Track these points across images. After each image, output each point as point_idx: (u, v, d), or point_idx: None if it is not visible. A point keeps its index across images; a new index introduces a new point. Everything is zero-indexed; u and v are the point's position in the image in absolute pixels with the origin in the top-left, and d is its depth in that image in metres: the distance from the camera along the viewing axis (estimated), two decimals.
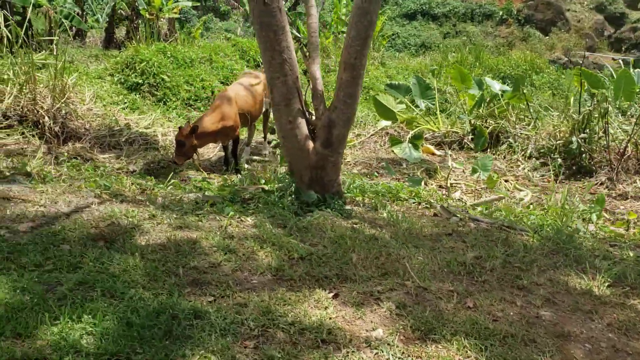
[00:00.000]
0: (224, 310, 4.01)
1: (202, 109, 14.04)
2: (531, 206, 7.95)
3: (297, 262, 4.90)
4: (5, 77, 11.12)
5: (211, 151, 11.22)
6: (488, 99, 11.04)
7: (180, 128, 9.35)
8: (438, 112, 11.63)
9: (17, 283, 4.03)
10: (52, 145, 10.23)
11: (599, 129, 9.71)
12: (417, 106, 11.65)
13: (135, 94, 14.03)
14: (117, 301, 3.99)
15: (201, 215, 5.78)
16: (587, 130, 9.73)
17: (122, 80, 14.50)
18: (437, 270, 4.98)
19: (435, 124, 11.43)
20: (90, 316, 3.75)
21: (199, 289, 4.33)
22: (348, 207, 6.50)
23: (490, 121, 10.93)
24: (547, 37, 22.11)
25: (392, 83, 11.61)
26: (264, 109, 10.80)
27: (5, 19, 11.80)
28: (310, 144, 6.38)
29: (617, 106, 11.03)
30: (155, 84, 14.40)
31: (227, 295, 4.26)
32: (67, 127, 10.88)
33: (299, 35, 17.29)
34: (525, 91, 10.97)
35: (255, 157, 10.91)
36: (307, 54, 6.44)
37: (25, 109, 10.73)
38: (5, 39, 11.60)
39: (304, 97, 6.53)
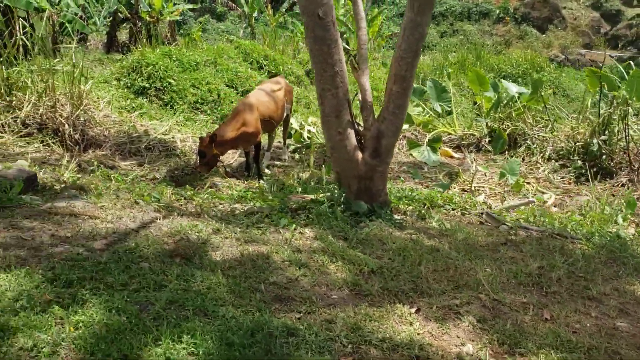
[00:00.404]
0: (314, 327, 4.08)
1: (208, 112, 14.04)
2: (569, 212, 8.03)
3: (369, 276, 4.98)
4: (22, 84, 11.05)
5: (231, 156, 11.23)
6: (505, 101, 11.16)
7: (200, 138, 9.38)
8: (454, 115, 11.74)
9: (109, 303, 4.07)
10: (74, 153, 10.22)
11: (618, 131, 9.86)
12: (432, 109, 11.75)
13: (142, 98, 13.98)
14: (210, 320, 4.05)
15: (263, 228, 5.82)
16: (607, 132, 9.87)
17: (129, 84, 14.46)
18: (506, 282, 5.08)
19: (451, 127, 11.53)
20: (189, 336, 3.81)
21: (284, 305, 4.39)
22: (397, 216, 6.58)
23: (507, 123, 11.06)
24: (544, 35, 22.34)
25: None
26: (284, 115, 10.84)
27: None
28: (359, 155, 6.45)
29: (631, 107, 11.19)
30: (161, 87, 14.38)
31: (313, 312, 4.32)
32: (86, 134, 10.86)
33: (347, 47, 17.31)
34: (543, 93, 11.11)
35: (275, 162, 10.95)
36: (356, 65, 6.49)
37: (45, 117, 10.68)
38: (20, 46, 11.54)
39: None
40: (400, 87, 6.21)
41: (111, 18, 18.30)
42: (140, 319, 3.96)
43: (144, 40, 17.16)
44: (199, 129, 12.49)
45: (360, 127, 6.67)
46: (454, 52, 19.40)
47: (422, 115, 11.38)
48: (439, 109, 11.39)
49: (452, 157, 10.99)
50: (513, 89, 10.99)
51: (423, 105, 11.60)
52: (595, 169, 9.95)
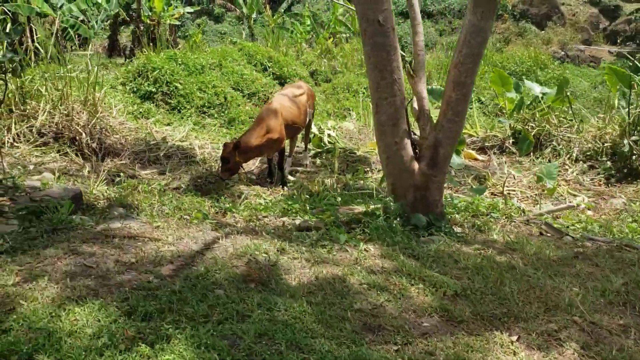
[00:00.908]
0: None
1: (216, 116, 13.68)
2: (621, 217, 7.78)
3: (454, 299, 4.67)
4: (36, 92, 10.63)
5: (252, 163, 10.86)
6: (528, 102, 10.89)
7: (225, 145, 9.07)
8: (475, 116, 11.45)
9: (196, 339, 3.74)
10: (92, 163, 9.82)
11: None
12: None
13: (149, 103, 13.57)
14: (306, 355, 3.73)
15: (327, 246, 5.48)
16: (637, 132, 9.64)
17: (135, 89, 14.06)
18: (595, 301, 4.80)
19: (472, 128, 11.25)
20: None
21: (377, 335, 4.09)
22: (457, 229, 6.27)
23: (532, 124, 10.79)
24: (543, 32, 22.19)
25: (428, 88, 11.35)
26: (307, 120, 10.51)
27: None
28: (416, 165, 6.14)
29: None
30: (168, 92, 13.98)
31: (410, 342, 4.02)
32: (103, 143, 10.47)
33: (402, 54, 16.85)
34: (568, 94, 10.85)
35: (297, 168, 10.60)
36: (413, 72, 6.16)
37: (61, 126, 10.27)
38: (32, 53, 11.10)
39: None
40: (460, 93, 5.90)
41: (111, 22, 17.76)
42: (233, 356, 3.62)
43: (148, 44, 16.73)
44: (216, 135, 12.10)
45: (415, 136, 6.35)
46: None
47: None
48: None
49: (476, 159, 10.70)
50: (537, 89, 10.73)
51: None
52: (626, 170, 9.70)
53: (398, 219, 6.14)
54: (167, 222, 5.77)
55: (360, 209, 6.76)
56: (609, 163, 9.90)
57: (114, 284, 4.37)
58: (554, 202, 9.14)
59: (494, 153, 10.99)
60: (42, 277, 4.33)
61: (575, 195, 9.34)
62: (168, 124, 12.36)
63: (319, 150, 11.07)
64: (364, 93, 16.31)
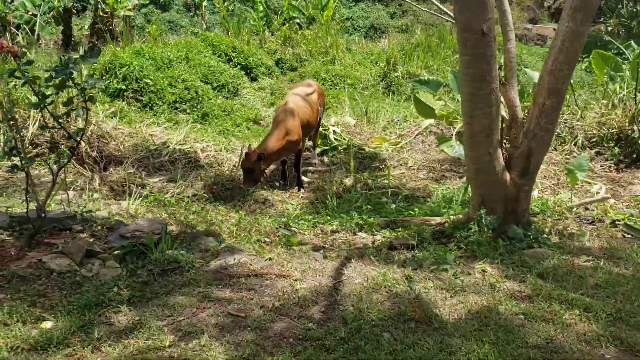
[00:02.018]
0: None
1: (188, 111, 13.03)
2: None
3: (614, 323, 4.42)
4: (23, 100, 9.77)
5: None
6: (529, 90, 10.77)
7: (247, 154, 8.67)
8: None
9: None
10: (99, 174, 9.11)
11: None
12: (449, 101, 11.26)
13: (120, 101, 12.76)
14: None
15: (449, 270, 5.13)
16: None
17: (103, 87, 13.17)
18: None
19: None
20: None
21: None
22: (553, 238, 6.05)
23: None
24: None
25: (421, 79, 11.08)
26: (318, 119, 10.09)
27: None
28: (507, 175, 5.87)
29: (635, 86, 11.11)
30: (139, 89, 13.17)
31: None
32: (103, 151, 9.72)
33: None
34: (572, 81, 10.78)
35: (308, 168, 10.16)
36: (503, 80, 5.85)
37: (56, 135, 9.48)
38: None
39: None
40: (555, 100, 5.66)
41: (61, 15, 16.53)
42: None
43: (104, 37, 15.70)
44: (216, 136, 11.45)
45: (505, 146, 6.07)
46: (416, 34, 18.90)
47: (444, 109, 10.83)
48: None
49: None
50: (535, 76, 10.60)
51: (444, 98, 11.05)
52: (635, 155, 9.77)
53: (490, 232, 5.85)
54: (272, 251, 5.28)
55: (438, 220, 6.44)
56: (616, 149, 9.93)
57: (274, 335, 3.94)
58: (587, 194, 9.09)
59: None
60: (197, 334, 3.83)
61: (589, 183, 9.30)
62: (159, 125, 11.59)
63: (325, 147, 10.64)
64: (332, 81, 15.91)
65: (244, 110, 14.03)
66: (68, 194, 6.25)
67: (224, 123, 13.06)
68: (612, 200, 8.65)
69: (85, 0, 18.70)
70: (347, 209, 8.27)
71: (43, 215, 5.03)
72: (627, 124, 9.91)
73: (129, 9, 16.90)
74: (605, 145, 10.11)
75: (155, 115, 12.54)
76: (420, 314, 4.26)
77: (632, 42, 16.99)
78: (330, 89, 15.79)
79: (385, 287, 4.66)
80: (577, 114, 10.60)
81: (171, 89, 13.47)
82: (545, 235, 6.05)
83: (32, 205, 6.31)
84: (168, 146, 10.34)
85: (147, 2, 17.62)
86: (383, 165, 9.98)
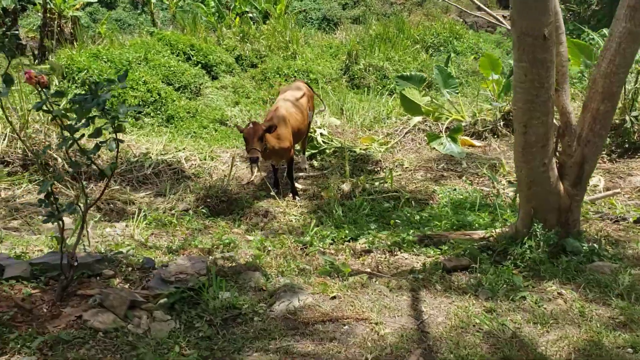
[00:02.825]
0: None
1: (152, 114, 12.30)
2: None
3: None
4: None
5: (248, 171, 9.68)
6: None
7: (254, 123, 8.03)
8: (460, 101, 10.91)
9: None
10: (82, 191, 8.26)
11: None
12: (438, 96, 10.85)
13: None
14: None
15: (529, 298, 4.66)
16: (635, 108, 9.53)
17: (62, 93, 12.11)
18: None
19: (459, 113, 10.71)
20: None
21: None
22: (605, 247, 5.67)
23: None
24: (441, 0, 21.99)
25: (403, 75, 10.67)
26: (309, 123, 9.51)
27: None
28: (561, 186, 5.44)
29: None
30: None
31: None
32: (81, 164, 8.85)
33: None
34: None
35: (299, 174, 9.57)
36: (556, 85, 5.40)
37: (29, 151, 8.63)
38: None
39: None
40: (610, 104, 5.26)
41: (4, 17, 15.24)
42: None
43: (54, 39, 14.58)
44: (200, 144, 10.69)
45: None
46: (374, 25, 18.41)
47: (431, 105, 10.43)
48: (448, 96, 10.49)
49: (472, 145, 10.18)
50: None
51: (430, 94, 10.64)
52: (627, 145, 9.59)
53: (545, 246, 5.42)
54: (330, 285, 4.70)
55: (480, 234, 5.98)
56: (607, 139, 9.72)
57: None
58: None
59: (485, 137, 10.52)
60: None
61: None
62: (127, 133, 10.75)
63: (313, 151, 10.06)
64: (295, 77, 15.28)
65: (209, 111, 13.32)
66: (88, 232, 5.45)
67: (190, 125, 12.35)
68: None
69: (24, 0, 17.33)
70: (354, 218, 7.77)
71: (75, 263, 4.29)
72: (619, 115, 9.70)
73: (77, 9, 15.74)
74: None
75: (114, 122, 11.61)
76: (527, 358, 3.77)
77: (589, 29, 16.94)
78: (285, 82, 15.21)
79: (473, 325, 4.15)
80: None
81: (133, 92, 12.64)
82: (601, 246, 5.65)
83: (40, 245, 5.54)
84: (149, 157, 9.54)
85: (94, 0, 16.43)
86: (378, 168, 9.48)
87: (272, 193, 8.55)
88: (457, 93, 10.49)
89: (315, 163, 9.94)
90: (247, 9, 18.95)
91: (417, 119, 10.41)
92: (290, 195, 8.89)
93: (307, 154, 10.00)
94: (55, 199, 4.09)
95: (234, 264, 5.23)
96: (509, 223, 6.25)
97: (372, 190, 8.80)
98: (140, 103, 12.72)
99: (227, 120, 12.84)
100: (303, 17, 19.96)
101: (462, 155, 9.37)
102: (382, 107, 12.47)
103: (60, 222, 4.13)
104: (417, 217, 6.87)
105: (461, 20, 19.89)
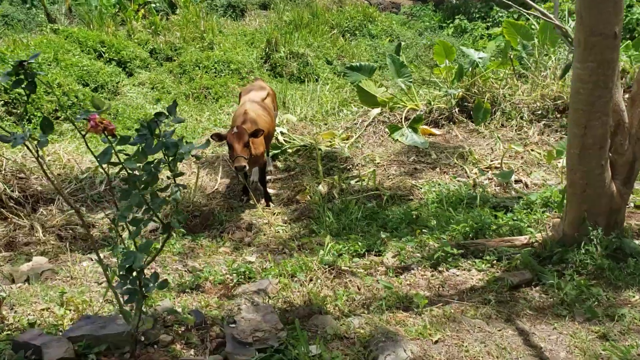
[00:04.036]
0: None
1: (70, 119, 11.13)
2: None
3: None
4: None
5: (212, 178, 8.85)
6: (467, 69, 10.20)
7: (238, 128, 7.27)
8: (414, 90, 10.53)
9: None
10: (33, 221, 7.25)
11: None
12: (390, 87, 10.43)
13: None
14: None
15: (624, 314, 4.30)
16: None
17: None
18: None
19: (413, 102, 10.34)
20: None
21: None
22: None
23: (474, 90, 10.18)
24: None
25: (352, 65, 10.14)
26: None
27: None
28: (614, 186, 5.14)
29: (545, 53, 11.05)
30: (10, 100, 10.98)
31: None
32: (26, 189, 7.76)
33: None
34: (512, 56, 10.37)
35: (267, 177, 8.86)
36: None
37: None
38: None
39: None
40: None
41: None
42: None
43: None
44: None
45: None
46: (289, 11, 17.65)
47: (386, 96, 9.99)
48: (403, 86, 10.09)
49: (432, 134, 9.86)
50: (475, 55, 10.07)
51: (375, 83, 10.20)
52: None
53: (600, 249, 5.12)
54: (420, 326, 4.13)
55: (522, 240, 5.59)
56: (564, 119, 9.71)
57: None
58: (546, 169, 8.74)
59: (442, 125, 10.22)
60: None
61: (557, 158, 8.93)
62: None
63: (275, 151, 9.34)
64: (215, 69, 14.37)
65: (131, 110, 12.25)
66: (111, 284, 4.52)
67: (117, 126, 11.23)
68: None
69: None
70: (348, 225, 7.24)
71: (142, 338, 3.47)
72: (566, 94, 9.67)
73: None
74: (551, 116, 9.82)
75: (36, 128, 10.46)
76: None
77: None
78: (216, 77, 14.29)
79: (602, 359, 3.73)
80: (518, 88, 10.19)
81: (48, 97, 11.32)
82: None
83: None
84: (99, 172, 8.47)
85: None
86: (350, 165, 8.93)
87: (251, 202, 7.82)
88: (411, 82, 10.06)
89: (279, 164, 9.24)
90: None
91: (376, 110, 9.92)
92: (263, 202, 8.18)
93: (271, 153, 9.28)
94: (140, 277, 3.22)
95: (292, 307, 4.53)
96: (532, 225, 5.94)
97: (351, 190, 8.25)
98: (57, 108, 11.45)
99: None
100: (207, 5, 18.82)
101: (425, 145, 9.02)
102: (323, 99, 11.86)
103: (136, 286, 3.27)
104: (434, 222, 6.37)
105: (366, 2, 19.51)
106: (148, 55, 14.87)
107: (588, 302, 4.40)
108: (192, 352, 3.80)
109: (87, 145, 3.51)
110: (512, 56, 10.04)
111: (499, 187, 8.11)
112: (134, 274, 3.21)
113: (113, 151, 3.15)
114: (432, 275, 5.24)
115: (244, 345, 3.74)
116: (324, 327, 4.12)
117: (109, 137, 3.13)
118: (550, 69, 10.21)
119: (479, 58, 9.90)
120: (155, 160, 3.30)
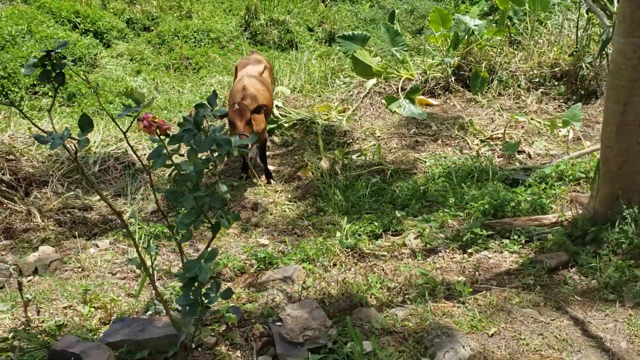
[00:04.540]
0: None
1: (50, 94, 10.86)
2: None
3: None
4: None
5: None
6: (464, 37, 9.94)
7: (239, 104, 6.90)
8: (408, 59, 10.25)
9: None
10: (29, 205, 6.91)
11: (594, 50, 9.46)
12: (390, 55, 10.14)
13: None
14: None
15: None
16: (589, 53, 9.40)
17: None
18: None
19: (408, 72, 10.07)
20: None
21: None
22: None
23: (470, 59, 9.96)
24: None
25: (345, 34, 9.83)
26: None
27: None
28: None
29: (537, 18, 10.86)
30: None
31: None
32: (17, 172, 7.36)
33: None
34: (509, 23, 10.12)
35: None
36: None
37: None
38: None
39: None
40: None
41: None
42: None
43: None
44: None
45: None
46: None
47: (381, 65, 9.71)
48: (398, 55, 9.81)
49: (430, 104, 9.64)
50: (470, 22, 9.81)
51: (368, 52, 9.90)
52: (582, 92, 9.48)
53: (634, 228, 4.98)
54: (474, 319, 3.95)
55: (551, 219, 5.43)
56: (562, 87, 9.57)
57: None
58: (547, 138, 8.61)
59: (438, 95, 9.99)
60: None
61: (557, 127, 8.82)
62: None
63: (271, 125, 9.02)
64: (195, 38, 13.86)
65: (111, 83, 11.79)
66: (158, 291, 4.23)
67: (95, 102, 10.81)
68: (588, 143, 8.26)
69: None
70: (357, 202, 7.02)
71: (193, 345, 3.22)
72: (564, 61, 9.50)
73: None
74: (549, 84, 9.66)
75: (18, 105, 9.98)
76: None
77: None
78: (196, 46, 13.82)
79: None
80: (514, 56, 9.99)
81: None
82: None
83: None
84: (92, 152, 8.09)
85: None
86: (350, 140, 8.67)
87: (254, 180, 7.55)
88: (406, 51, 9.78)
89: (276, 139, 8.93)
90: None
91: (372, 81, 9.65)
92: (264, 179, 7.90)
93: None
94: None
95: (332, 299, 4.30)
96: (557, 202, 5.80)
97: (353, 165, 8.01)
98: (35, 82, 10.98)
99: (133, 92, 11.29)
100: None
101: (424, 116, 8.82)
102: (310, 68, 11.52)
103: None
104: (451, 200, 6.18)
105: None
106: (125, 26, 14.29)
107: (635, 286, 4.25)
108: (238, 353, 3.57)
109: (128, 143, 3.17)
110: (508, 23, 9.78)
111: (501, 159, 7.93)
112: (196, 284, 2.92)
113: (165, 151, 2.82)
114: (463, 259, 5.05)
115: (295, 346, 3.53)
116: (369, 320, 3.91)
117: (161, 136, 2.80)
118: (545, 35, 9.98)
119: (475, 25, 9.63)
120: (204, 157, 2.99)
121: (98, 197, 7.53)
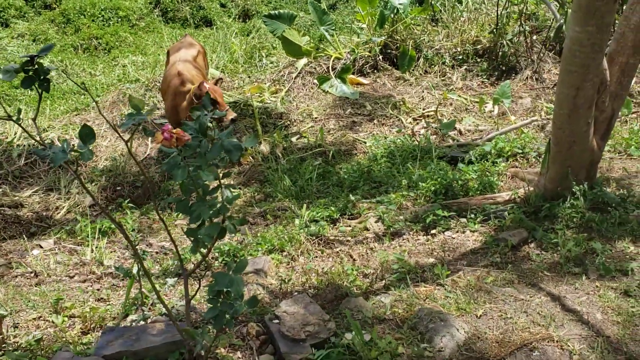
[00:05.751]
0: None
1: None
2: None
3: None
4: None
5: (137, 147, 8.36)
6: (389, 16, 10.13)
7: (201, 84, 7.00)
8: (336, 38, 10.36)
9: None
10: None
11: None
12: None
13: None
14: None
15: (632, 268, 4.53)
16: (508, 30, 9.86)
17: None
18: None
19: (337, 50, 10.20)
20: None
21: None
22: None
23: (397, 37, 10.20)
24: None
25: (271, 13, 9.78)
26: None
27: None
28: (594, 141, 5.40)
29: None
30: None
31: None
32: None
33: None
34: (432, 2, 10.37)
35: None
36: None
37: None
38: None
39: None
40: (639, 58, 5.23)
41: None
42: None
43: None
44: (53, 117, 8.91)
45: None
46: None
47: (309, 45, 9.80)
48: (327, 34, 9.90)
49: (361, 83, 9.84)
50: (395, 1, 10.00)
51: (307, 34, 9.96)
52: (503, 68, 9.95)
53: (584, 202, 5.37)
54: (454, 300, 4.16)
55: (504, 197, 5.76)
56: (485, 64, 10.00)
57: None
58: (475, 114, 9.01)
59: (367, 73, 10.20)
60: None
61: (482, 102, 9.24)
62: None
63: None
64: (103, 17, 13.39)
65: None
66: (169, 310, 4.16)
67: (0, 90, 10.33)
68: (513, 117, 8.72)
69: None
70: (305, 186, 7.13)
71: (203, 352, 3.26)
72: (484, 38, 9.94)
73: None
74: (472, 61, 10.07)
75: None
76: None
77: None
78: (104, 25, 13.34)
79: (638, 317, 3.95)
80: (438, 33, 10.32)
81: None
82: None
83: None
84: (12, 145, 7.75)
85: None
86: (288, 122, 8.72)
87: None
88: (334, 29, 9.88)
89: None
90: None
91: (303, 61, 9.69)
92: None
93: None
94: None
95: (315, 292, 4.40)
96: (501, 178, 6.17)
97: (294, 148, 8.09)
98: None
99: None
100: None
101: (356, 95, 8.99)
102: (232, 47, 11.40)
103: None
104: (404, 182, 6.40)
105: None
106: (24, 3, 13.57)
107: (595, 259, 4.61)
108: (238, 354, 3.60)
109: (130, 152, 3.11)
110: (432, 1, 10.07)
111: (434, 136, 8.22)
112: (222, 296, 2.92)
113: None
114: (428, 240, 5.27)
115: (297, 343, 3.60)
116: (359, 310, 4.04)
117: (180, 147, 2.78)
118: (465, 12, 10.37)
119: (400, 4, 9.82)
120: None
121: (29, 192, 7.23)
